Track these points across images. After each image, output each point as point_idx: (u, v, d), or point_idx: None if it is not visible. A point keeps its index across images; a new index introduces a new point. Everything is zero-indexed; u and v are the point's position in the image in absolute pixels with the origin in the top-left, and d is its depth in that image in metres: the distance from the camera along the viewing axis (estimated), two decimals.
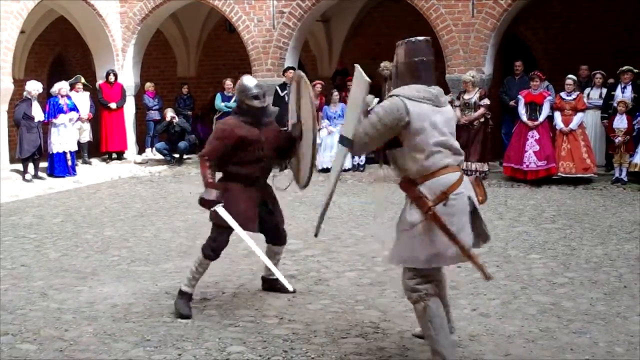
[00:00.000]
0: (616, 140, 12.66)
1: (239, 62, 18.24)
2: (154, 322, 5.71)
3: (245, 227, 5.86)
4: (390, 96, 4.60)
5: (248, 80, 6.02)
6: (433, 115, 4.55)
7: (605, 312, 5.85)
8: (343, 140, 4.76)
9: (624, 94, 12.92)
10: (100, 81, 16.61)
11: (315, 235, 5.17)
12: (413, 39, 4.70)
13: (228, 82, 15.91)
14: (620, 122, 12.67)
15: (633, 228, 9.07)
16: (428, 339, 4.61)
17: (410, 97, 4.54)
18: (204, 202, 5.90)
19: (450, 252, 4.47)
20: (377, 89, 15.02)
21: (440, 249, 4.47)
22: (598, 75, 13.52)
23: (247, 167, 5.90)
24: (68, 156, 14.67)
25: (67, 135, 14.71)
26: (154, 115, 17.12)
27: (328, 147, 14.63)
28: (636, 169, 12.43)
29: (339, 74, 16.80)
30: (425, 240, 4.48)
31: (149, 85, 17.39)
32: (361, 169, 14.57)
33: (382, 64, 15.07)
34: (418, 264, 4.54)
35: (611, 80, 13.50)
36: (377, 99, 4.76)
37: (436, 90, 4.66)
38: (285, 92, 14.81)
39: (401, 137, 4.55)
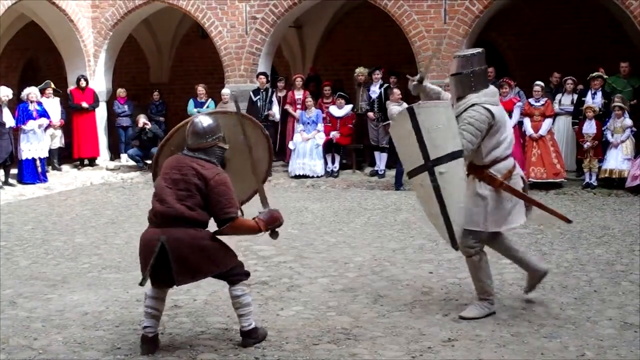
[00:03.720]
0: (585, 145, 12.81)
1: (212, 68, 18.21)
2: (124, 330, 5.67)
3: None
4: (472, 106, 5.65)
5: (209, 119, 5.31)
6: (504, 114, 5.90)
7: (575, 317, 5.90)
8: (454, 154, 5.48)
9: (594, 100, 13.07)
10: (71, 87, 16.47)
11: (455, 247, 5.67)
12: (480, 49, 5.90)
13: (200, 88, 15.86)
14: (590, 128, 12.81)
15: (603, 233, 9.16)
16: (480, 283, 5.93)
17: (491, 103, 5.72)
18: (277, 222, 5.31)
19: (511, 218, 5.86)
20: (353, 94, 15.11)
21: (503, 214, 5.80)
22: (569, 81, 13.65)
23: None
24: (38, 163, 14.53)
25: (36, 141, 14.57)
26: (123, 121, 17.06)
27: (301, 154, 14.61)
28: (606, 175, 12.58)
29: (311, 80, 16.82)
30: (493, 208, 5.75)
31: (120, 92, 17.30)
32: (335, 174, 14.58)
33: (357, 70, 15.15)
34: (489, 227, 5.80)
35: (581, 87, 13.65)
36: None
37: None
38: (258, 97, 14.80)
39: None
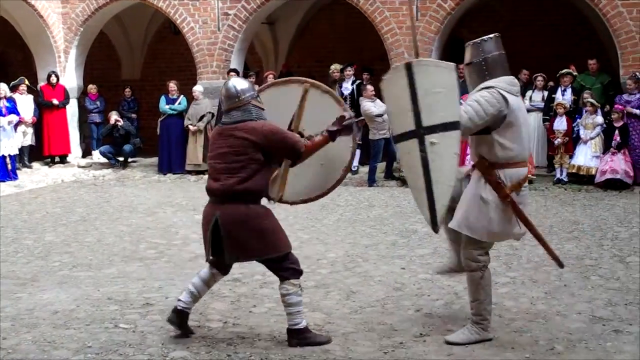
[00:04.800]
0: (555, 142, 12.94)
1: (184, 64, 18.13)
2: (95, 328, 5.62)
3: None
4: (487, 87, 5.04)
5: (241, 81, 5.30)
6: (523, 110, 5.26)
7: (545, 311, 5.96)
8: (449, 125, 4.87)
9: (564, 97, 13.20)
10: (42, 83, 16.32)
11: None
12: (494, 34, 5.27)
13: (172, 85, 15.75)
14: (560, 124, 12.94)
15: (573, 228, 9.26)
16: (476, 302, 5.24)
17: (509, 91, 5.08)
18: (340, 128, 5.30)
19: (516, 230, 5.18)
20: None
21: (508, 227, 5.14)
22: (539, 78, 13.79)
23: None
24: (7, 160, 14.38)
25: (6, 138, 14.42)
26: (95, 117, 16.99)
27: None
28: (574, 170, 12.72)
29: (284, 77, 16.78)
30: (497, 219, 5.07)
31: (91, 88, 17.19)
32: None
33: (332, 67, 15.15)
34: (489, 237, 5.17)
35: (551, 84, 13.78)
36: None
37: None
38: None
39: (493, 126, 5.03)
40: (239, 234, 4.99)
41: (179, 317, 5.31)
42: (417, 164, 4.97)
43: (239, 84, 5.20)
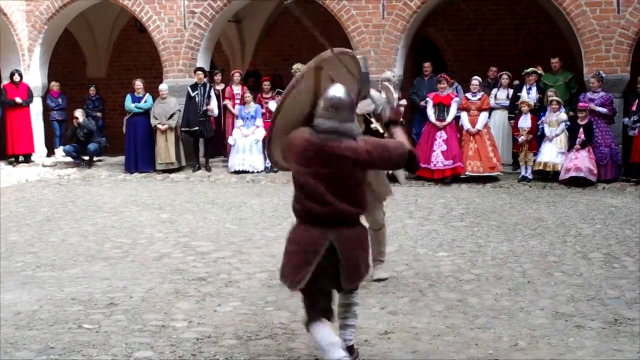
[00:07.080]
0: (519, 139, 13.04)
1: (150, 62, 18.00)
2: (58, 329, 5.57)
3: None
4: None
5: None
6: None
7: (509, 307, 6.02)
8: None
9: (529, 95, 13.30)
10: (5, 81, 16.12)
11: None
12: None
13: (138, 83, 15.57)
14: (525, 122, 13.04)
15: (537, 225, 9.35)
16: (383, 247, 6.92)
17: None
18: None
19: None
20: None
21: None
22: (504, 76, 13.88)
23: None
24: None
25: None
26: (56, 115, 16.86)
27: (241, 150, 14.52)
28: (540, 167, 12.84)
29: (251, 75, 16.76)
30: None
31: (53, 85, 17.02)
32: (275, 170, 14.54)
33: (294, 66, 15.11)
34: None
35: (517, 82, 13.89)
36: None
37: None
38: (196, 92, 14.66)
39: None
40: (358, 258, 4.56)
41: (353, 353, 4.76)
42: None
43: (346, 93, 4.64)
